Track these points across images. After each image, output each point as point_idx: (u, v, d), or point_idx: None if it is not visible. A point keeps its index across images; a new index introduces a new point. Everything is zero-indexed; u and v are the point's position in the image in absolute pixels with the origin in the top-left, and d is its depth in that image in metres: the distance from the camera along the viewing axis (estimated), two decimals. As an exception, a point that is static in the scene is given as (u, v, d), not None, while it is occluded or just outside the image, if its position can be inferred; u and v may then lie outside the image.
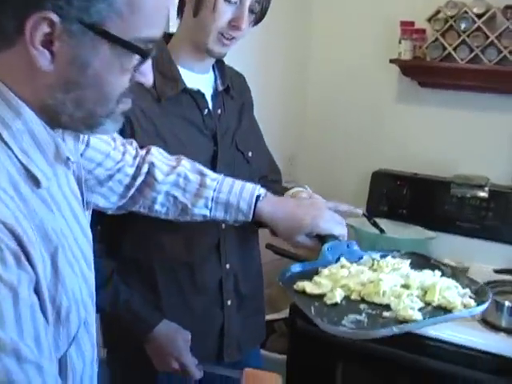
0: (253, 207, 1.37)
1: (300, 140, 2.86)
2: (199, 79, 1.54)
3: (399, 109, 2.64)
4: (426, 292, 1.22)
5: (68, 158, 0.95)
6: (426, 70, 2.49)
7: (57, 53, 0.82)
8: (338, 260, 1.34)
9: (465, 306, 1.17)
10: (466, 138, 2.50)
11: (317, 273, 1.30)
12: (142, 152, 1.39)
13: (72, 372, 0.97)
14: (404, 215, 2.49)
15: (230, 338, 1.60)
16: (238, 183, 1.40)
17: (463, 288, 1.22)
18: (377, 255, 1.37)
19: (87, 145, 1.26)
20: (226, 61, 1.60)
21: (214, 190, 1.38)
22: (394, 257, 1.36)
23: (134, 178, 1.37)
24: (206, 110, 1.53)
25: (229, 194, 1.38)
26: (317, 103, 2.83)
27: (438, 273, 1.29)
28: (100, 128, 0.94)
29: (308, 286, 1.27)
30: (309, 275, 1.29)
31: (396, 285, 1.23)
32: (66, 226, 0.95)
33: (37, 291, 0.85)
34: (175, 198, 1.39)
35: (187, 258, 1.52)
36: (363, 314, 1.17)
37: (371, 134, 2.70)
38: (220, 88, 1.58)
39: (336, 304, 1.21)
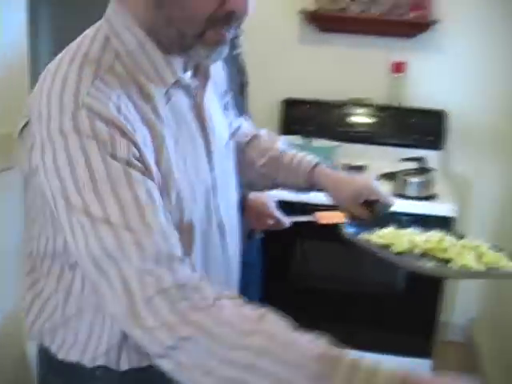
0: (310, 169, 1.44)
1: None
2: None
3: (303, 50, 3.14)
4: (480, 256, 1.29)
5: (179, 81, 1.02)
6: (327, 19, 2.99)
7: None
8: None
9: None
10: (356, 71, 3.14)
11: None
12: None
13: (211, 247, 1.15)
14: (312, 132, 3.05)
15: None
16: (302, 154, 1.49)
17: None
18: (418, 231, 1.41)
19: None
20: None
21: (281, 152, 1.48)
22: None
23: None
24: None
25: (291, 158, 1.47)
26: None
27: (486, 244, 1.35)
28: (193, 51, 0.98)
29: (373, 237, 1.32)
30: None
31: (455, 244, 1.32)
32: (173, 133, 1.01)
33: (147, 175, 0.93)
34: (245, 154, 1.48)
35: None
36: (429, 264, 1.26)
37: (280, 70, 3.18)
38: None
39: (402, 253, 1.28)
